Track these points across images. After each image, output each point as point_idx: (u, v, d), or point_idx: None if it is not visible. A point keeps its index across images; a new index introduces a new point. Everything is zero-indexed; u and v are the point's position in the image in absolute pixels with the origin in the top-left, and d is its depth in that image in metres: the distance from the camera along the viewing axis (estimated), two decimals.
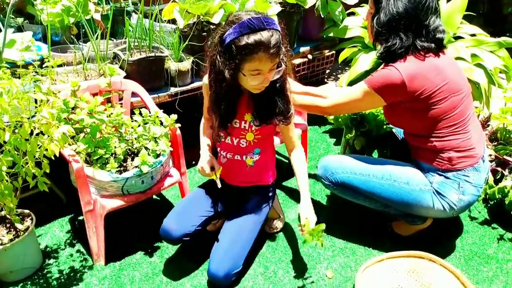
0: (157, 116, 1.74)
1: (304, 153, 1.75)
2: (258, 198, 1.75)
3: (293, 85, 1.99)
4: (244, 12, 1.42)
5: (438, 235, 1.95)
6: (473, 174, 1.69)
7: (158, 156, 1.71)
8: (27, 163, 1.41)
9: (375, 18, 1.66)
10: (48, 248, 1.82)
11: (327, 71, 3.56)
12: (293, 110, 1.64)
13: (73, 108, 1.62)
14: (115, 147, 1.65)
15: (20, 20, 2.12)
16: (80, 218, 1.99)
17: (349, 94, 1.72)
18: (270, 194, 1.79)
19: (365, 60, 2.55)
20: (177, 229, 1.62)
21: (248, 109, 1.62)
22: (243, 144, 1.67)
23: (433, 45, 1.62)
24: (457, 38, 2.72)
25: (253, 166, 1.72)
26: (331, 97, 1.78)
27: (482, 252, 1.88)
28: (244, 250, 1.62)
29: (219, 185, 1.62)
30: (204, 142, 1.73)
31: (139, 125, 1.72)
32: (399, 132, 2.13)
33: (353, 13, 2.93)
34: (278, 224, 1.95)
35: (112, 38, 2.24)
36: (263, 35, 1.36)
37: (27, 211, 1.71)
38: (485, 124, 2.29)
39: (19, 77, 1.47)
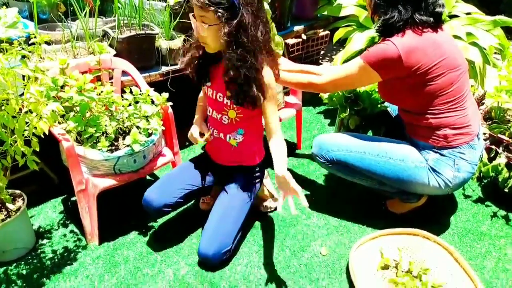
0: (148, 95, 1.71)
1: (283, 141, 1.58)
2: (244, 178, 1.72)
3: (287, 63, 1.97)
4: None
5: (432, 213, 1.96)
6: (469, 152, 1.69)
7: (150, 135, 1.68)
8: (15, 141, 1.38)
9: None
10: (41, 229, 1.81)
11: (322, 51, 3.52)
12: (254, 102, 1.52)
13: (62, 87, 1.59)
14: (106, 126, 1.62)
15: None
16: (73, 198, 1.97)
17: (345, 69, 1.70)
18: (257, 174, 1.76)
19: (360, 39, 2.52)
20: (157, 199, 1.62)
21: (228, 84, 1.55)
22: (225, 121, 1.65)
23: (431, 19, 1.59)
24: (452, 17, 2.69)
25: (236, 147, 1.69)
26: (327, 74, 1.76)
27: (476, 229, 1.89)
28: (233, 229, 1.61)
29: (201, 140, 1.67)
30: (199, 109, 1.76)
31: (130, 104, 1.69)
32: (393, 110, 2.11)
33: None
34: (272, 204, 1.94)
35: (102, 16, 2.18)
36: None
37: (18, 191, 1.69)
38: (479, 102, 2.28)
39: (3, 53, 1.42)
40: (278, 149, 1.54)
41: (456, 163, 1.68)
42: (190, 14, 1.46)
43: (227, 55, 1.45)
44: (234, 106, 1.59)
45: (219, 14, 1.36)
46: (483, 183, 2.18)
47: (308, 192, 2.10)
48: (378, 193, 1.97)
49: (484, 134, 2.17)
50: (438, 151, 1.69)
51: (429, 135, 1.68)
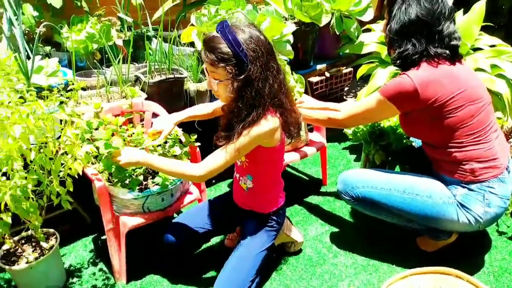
0: (177, 135, 1.78)
1: (187, 167, 1.51)
2: (256, 225, 1.68)
3: (309, 101, 2.01)
4: (241, 22, 1.46)
5: (465, 251, 1.89)
6: (498, 186, 1.64)
7: None
8: (51, 181, 1.46)
9: (388, 26, 1.69)
10: (71, 267, 1.86)
11: (346, 88, 3.57)
12: (233, 143, 1.46)
13: (97, 129, 1.68)
14: (137, 168, 1.69)
15: (48, 48, 2.23)
16: (103, 237, 2.02)
17: (364, 104, 1.72)
18: (271, 223, 1.69)
19: (382, 75, 2.55)
20: (176, 234, 1.69)
21: None
22: (239, 163, 1.66)
23: (447, 51, 1.61)
24: (476, 49, 2.69)
25: (247, 192, 1.67)
26: (346, 109, 1.78)
27: None
28: (245, 280, 1.57)
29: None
30: (192, 108, 1.80)
31: (159, 145, 1.76)
32: (418, 144, 2.09)
33: (368, 30, 2.95)
34: (295, 248, 1.92)
35: (134, 63, 2.32)
36: (208, 34, 1.42)
37: (52, 230, 1.76)
38: (509, 135, 2.23)
39: (44, 100, 1.54)
40: (179, 162, 1.56)
41: (486, 198, 1.63)
42: (203, 67, 1.50)
43: (231, 105, 1.48)
44: None
45: (228, 70, 1.39)
46: None
47: (335, 229, 2.07)
48: (407, 231, 1.92)
49: None
50: (466, 185, 1.65)
51: (455, 170, 1.65)
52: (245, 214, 1.73)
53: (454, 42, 1.62)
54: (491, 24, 2.88)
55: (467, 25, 2.61)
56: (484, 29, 2.77)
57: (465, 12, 2.72)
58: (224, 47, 1.37)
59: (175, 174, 1.54)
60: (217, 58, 1.38)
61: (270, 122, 1.46)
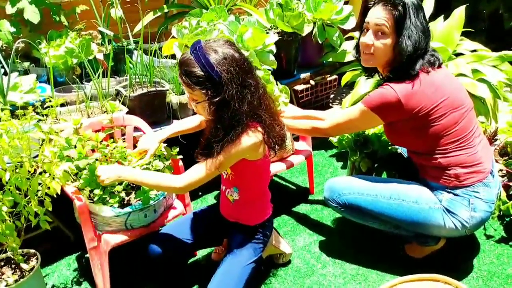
0: (161, 150, 1.75)
1: (175, 181, 1.50)
2: (242, 238, 1.65)
3: (293, 110, 2.01)
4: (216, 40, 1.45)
5: (453, 256, 1.88)
6: (483, 190, 1.64)
7: None
8: (29, 202, 1.42)
9: (403, 42, 1.56)
10: None
11: (332, 95, 3.58)
12: (214, 159, 1.44)
13: (75, 146, 1.65)
14: (117, 184, 1.65)
15: (26, 64, 2.20)
16: (87, 255, 1.97)
17: (347, 114, 1.72)
18: (257, 235, 1.66)
19: (366, 82, 2.56)
20: (160, 246, 1.65)
21: None
22: (224, 175, 1.65)
23: (431, 62, 1.62)
24: (458, 55, 2.72)
25: (233, 204, 1.65)
26: (330, 119, 1.78)
27: (501, 272, 1.80)
28: None
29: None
30: (177, 123, 1.79)
31: (139, 154, 1.73)
32: (404, 151, 2.10)
33: (351, 38, 2.96)
34: (283, 259, 1.90)
35: (115, 76, 2.29)
36: (182, 57, 1.41)
37: (32, 250, 1.70)
38: (492, 138, 2.24)
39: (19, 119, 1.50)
40: (160, 174, 1.56)
41: (471, 202, 1.63)
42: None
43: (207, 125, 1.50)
44: None
45: (204, 92, 1.39)
46: (505, 222, 2.09)
47: (323, 238, 2.05)
48: (395, 238, 1.91)
49: (501, 170, 2.11)
50: (451, 191, 1.65)
51: (440, 175, 1.65)
52: (232, 226, 1.70)
53: (436, 53, 1.65)
54: (472, 30, 2.92)
55: (448, 30, 2.64)
56: (465, 34, 2.80)
57: (445, 18, 2.75)
58: (198, 71, 1.36)
59: (156, 186, 1.53)
60: (191, 81, 1.38)
61: (252, 138, 1.45)
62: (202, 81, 1.37)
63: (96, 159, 1.64)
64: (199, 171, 1.46)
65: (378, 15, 1.60)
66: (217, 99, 1.37)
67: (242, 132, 1.42)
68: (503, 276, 1.78)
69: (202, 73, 1.36)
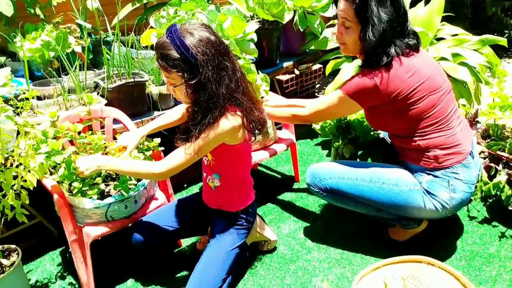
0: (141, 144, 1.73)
1: (154, 167, 1.50)
2: (225, 224, 1.65)
3: (275, 99, 2.00)
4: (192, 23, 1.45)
5: (437, 238, 1.90)
6: (463, 171, 1.65)
7: (140, 179, 1.69)
8: (5, 195, 1.40)
9: (366, 33, 1.57)
10: (38, 283, 1.79)
11: (317, 85, 3.57)
12: (188, 146, 1.45)
13: (54, 139, 1.63)
14: (96, 176, 1.64)
15: (2, 58, 2.16)
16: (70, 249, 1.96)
17: (327, 101, 1.72)
18: (240, 221, 1.66)
19: (349, 69, 2.56)
20: (143, 233, 1.66)
21: None
22: (205, 161, 1.65)
23: (409, 46, 1.61)
24: (440, 39, 2.72)
25: (214, 190, 1.65)
26: (310, 106, 1.78)
27: (484, 252, 1.81)
28: (216, 279, 1.55)
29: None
30: (158, 118, 1.79)
31: (119, 150, 1.71)
32: (386, 135, 2.10)
33: (332, 25, 2.95)
34: (268, 246, 1.90)
35: (94, 69, 2.26)
36: (158, 40, 1.42)
37: (13, 246, 1.68)
38: (472, 121, 2.26)
39: None
40: (139, 161, 1.60)
41: (450, 183, 1.64)
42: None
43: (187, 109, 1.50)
44: None
45: (180, 75, 1.39)
46: (488, 203, 2.11)
47: (308, 225, 2.05)
48: (379, 221, 1.92)
49: (483, 152, 2.13)
50: (431, 172, 1.66)
51: (419, 158, 1.66)
52: (214, 213, 1.70)
53: (414, 37, 1.64)
54: (452, 14, 2.92)
55: (429, 15, 2.65)
56: (448, 20, 2.81)
57: (426, 3, 2.75)
58: (174, 53, 1.37)
59: (136, 173, 1.53)
60: (167, 64, 1.39)
61: (230, 121, 1.45)
62: (178, 64, 1.37)
63: (74, 152, 1.62)
64: (179, 156, 1.46)
65: (341, 7, 1.62)
66: (194, 81, 1.38)
67: (220, 116, 1.43)
68: (485, 255, 1.79)
69: (178, 56, 1.36)
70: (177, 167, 1.47)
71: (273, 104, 1.92)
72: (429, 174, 1.66)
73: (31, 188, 1.43)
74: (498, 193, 1.94)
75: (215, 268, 1.56)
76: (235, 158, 1.60)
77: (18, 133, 1.53)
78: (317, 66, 3.23)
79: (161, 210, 1.75)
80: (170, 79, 1.44)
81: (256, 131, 1.55)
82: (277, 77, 2.95)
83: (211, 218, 1.71)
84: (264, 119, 1.60)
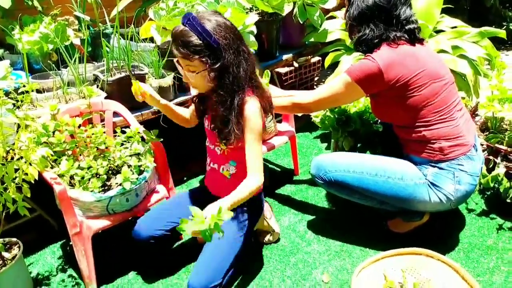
0: (138, 132, 1.73)
1: (253, 184, 1.51)
2: (237, 212, 1.66)
3: (275, 91, 2.00)
4: (204, 11, 1.47)
5: (435, 230, 1.92)
6: (467, 163, 1.66)
7: (141, 172, 1.69)
8: (6, 189, 1.40)
9: (348, 12, 1.71)
10: (39, 276, 1.80)
11: (316, 78, 3.56)
12: (234, 138, 1.50)
13: (53, 132, 1.62)
14: (97, 167, 1.64)
15: (0, 51, 2.14)
16: (72, 243, 1.96)
17: (331, 87, 1.72)
18: (252, 208, 1.70)
19: (348, 62, 2.55)
20: (144, 230, 1.65)
21: None
22: (218, 152, 1.66)
23: (405, 35, 1.63)
24: (439, 32, 2.72)
25: (230, 179, 1.67)
26: (312, 93, 1.79)
27: (482, 244, 1.83)
28: (223, 265, 1.56)
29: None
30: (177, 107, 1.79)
31: (121, 143, 1.71)
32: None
33: (332, 17, 2.94)
34: (271, 238, 1.91)
35: (94, 62, 2.25)
36: (176, 29, 1.42)
37: (14, 239, 1.69)
38: (473, 114, 2.27)
39: None
40: (240, 188, 1.48)
41: (456, 175, 1.65)
42: (175, 60, 1.50)
43: (212, 95, 1.53)
44: None
45: (203, 61, 1.41)
46: (486, 195, 2.13)
47: (308, 217, 2.06)
48: (379, 214, 1.93)
49: (482, 145, 2.14)
50: (436, 165, 1.67)
51: (424, 149, 1.67)
52: None
53: (411, 26, 1.65)
54: (452, 6, 2.92)
55: (428, 8, 2.64)
56: (447, 12, 2.81)
57: None
58: (196, 39, 1.39)
59: (247, 196, 1.50)
60: (190, 51, 1.40)
61: (254, 102, 1.51)
62: (200, 50, 1.39)
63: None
64: (258, 153, 1.53)
65: None
66: (217, 65, 1.41)
67: (243, 98, 1.48)
68: (483, 247, 1.81)
69: (200, 42, 1.39)
70: (261, 164, 1.55)
71: (274, 95, 1.92)
72: (434, 166, 1.67)
73: (32, 181, 1.43)
74: (497, 185, 1.96)
75: (224, 253, 1.58)
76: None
77: (19, 126, 1.53)
78: (316, 59, 3.22)
79: (163, 205, 1.75)
80: (191, 67, 1.45)
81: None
82: (276, 69, 2.95)
83: None
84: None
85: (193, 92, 1.74)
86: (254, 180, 1.51)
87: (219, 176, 1.69)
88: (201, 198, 1.77)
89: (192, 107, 1.76)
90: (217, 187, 1.73)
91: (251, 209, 1.70)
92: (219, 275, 1.54)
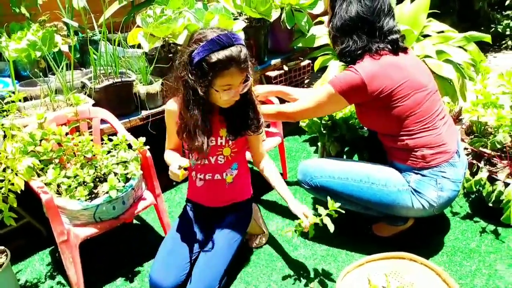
0: (126, 140, 1.74)
1: (273, 163, 1.75)
2: (235, 216, 1.72)
3: (264, 87, 2.05)
4: (209, 30, 1.47)
5: (420, 234, 1.94)
6: (450, 170, 1.69)
7: (128, 180, 1.71)
8: None
9: (331, 23, 1.73)
10: (28, 283, 1.81)
11: (306, 80, 3.59)
12: (263, 119, 1.67)
13: (41, 140, 1.63)
14: (84, 175, 1.65)
15: None
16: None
17: (315, 97, 1.74)
18: (247, 209, 1.76)
19: (335, 66, 2.58)
20: (166, 278, 1.57)
21: (222, 124, 1.64)
22: (221, 161, 1.68)
23: (388, 45, 1.65)
24: (426, 36, 2.75)
25: (232, 182, 1.72)
26: (297, 103, 1.82)
27: (465, 247, 1.87)
28: (220, 270, 1.59)
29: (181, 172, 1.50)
30: (169, 153, 1.70)
31: (109, 151, 1.72)
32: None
33: (320, 22, 2.97)
34: (262, 240, 1.94)
35: (82, 68, 2.26)
36: (233, 51, 1.41)
37: (2, 247, 1.69)
38: (456, 118, 2.30)
39: None
40: (276, 175, 1.73)
41: (438, 182, 1.68)
42: (219, 85, 1.46)
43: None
44: (230, 142, 1.66)
45: (252, 61, 1.51)
46: (470, 199, 2.16)
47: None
48: (364, 218, 1.96)
49: (466, 149, 2.17)
50: (419, 172, 1.70)
51: (407, 157, 1.70)
52: (223, 211, 1.75)
53: (394, 36, 1.67)
54: (438, 12, 2.95)
55: (415, 13, 2.67)
56: (436, 15, 2.84)
57: (412, 0, 2.77)
58: (245, 49, 1.46)
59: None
60: (250, 61, 1.49)
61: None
62: (246, 57, 1.47)
63: (63, 153, 1.62)
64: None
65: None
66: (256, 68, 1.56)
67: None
68: (466, 250, 1.85)
69: (246, 50, 1.47)
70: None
71: (262, 91, 1.98)
72: (417, 173, 1.70)
73: (19, 192, 1.44)
74: (480, 189, 1.99)
75: (221, 258, 1.62)
76: (245, 142, 1.74)
77: (5, 136, 1.54)
78: (306, 62, 3.25)
79: (168, 247, 1.68)
80: (248, 74, 1.51)
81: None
82: (266, 73, 2.97)
83: (221, 217, 1.75)
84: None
85: (172, 138, 1.69)
86: (271, 162, 1.72)
87: (220, 183, 1.72)
88: (198, 216, 1.78)
89: (176, 143, 1.72)
90: (216, 196, 1.74)
91: (243, 212, 1.74)
92: (216, 281, 1.57)
